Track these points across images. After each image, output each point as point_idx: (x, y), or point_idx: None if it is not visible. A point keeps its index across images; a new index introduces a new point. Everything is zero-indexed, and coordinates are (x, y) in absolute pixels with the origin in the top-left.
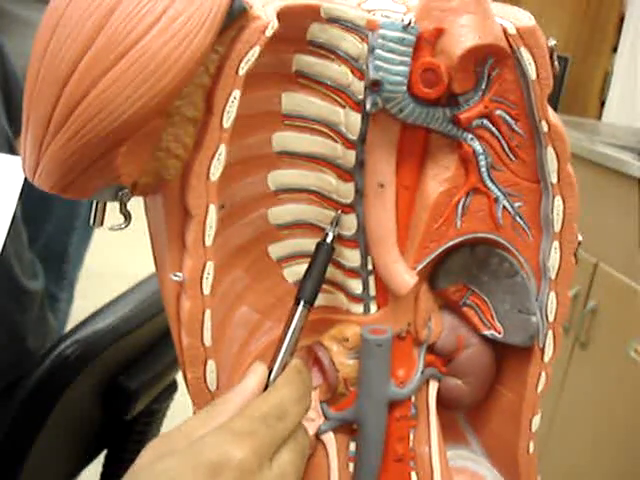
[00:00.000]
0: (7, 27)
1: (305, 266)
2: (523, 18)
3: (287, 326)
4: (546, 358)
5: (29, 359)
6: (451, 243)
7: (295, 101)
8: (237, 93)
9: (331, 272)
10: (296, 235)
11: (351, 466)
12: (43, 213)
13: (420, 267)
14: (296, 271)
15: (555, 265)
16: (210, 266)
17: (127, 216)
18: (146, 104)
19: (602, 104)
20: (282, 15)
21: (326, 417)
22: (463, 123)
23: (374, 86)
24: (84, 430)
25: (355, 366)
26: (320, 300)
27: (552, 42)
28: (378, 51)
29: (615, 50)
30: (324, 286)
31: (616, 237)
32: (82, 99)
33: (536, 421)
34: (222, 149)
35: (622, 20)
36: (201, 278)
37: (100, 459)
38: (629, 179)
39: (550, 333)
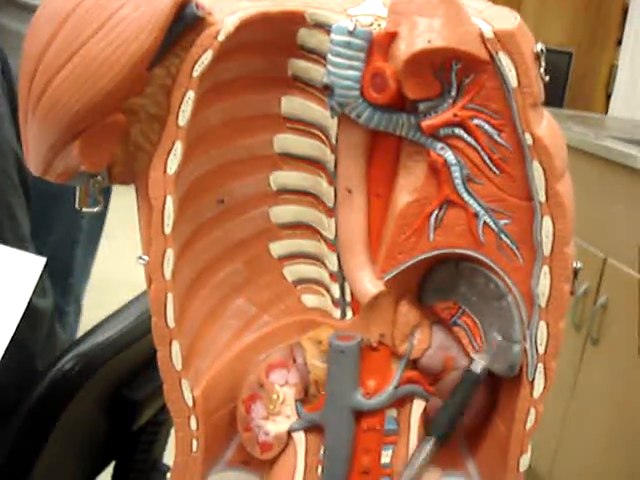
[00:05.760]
0: (6, 43)
1: (304, 267)
2: (507, 20)
3: (413, 456)
4: (535, 394)
5: (38, 377)
6: (423, 256)
7: (294, 104)
8: (191, 94)
9: (321, 274)
10: (297, 235)
11: (320, 469)
12: (45, 227)
13: (388, 277)
14: (296, 270)
15: (545, 292)
16: (170, 253)
17: (98, 202)
18: (89, 101)
19: (608, 97)
20: (254, 22)
21: (299, 416)
22: (426, 131)
23: (326, 90)
24: (90, 443)
25: (326, 370)
26: (313, 302)
27: (539, 47)
28: (329, 55)
29: (620, 42)
30: (317, 287)
31: (624, 231)
32: (43, 93)
33: (524, 461)
34: (178, 145)
35: (626, 12)
36: (162, 264)
37: (109, 470)
38: (636, 173)
39: (540, 366)
